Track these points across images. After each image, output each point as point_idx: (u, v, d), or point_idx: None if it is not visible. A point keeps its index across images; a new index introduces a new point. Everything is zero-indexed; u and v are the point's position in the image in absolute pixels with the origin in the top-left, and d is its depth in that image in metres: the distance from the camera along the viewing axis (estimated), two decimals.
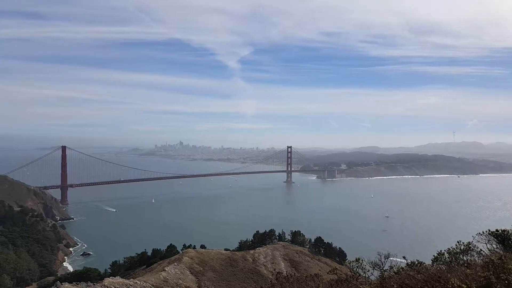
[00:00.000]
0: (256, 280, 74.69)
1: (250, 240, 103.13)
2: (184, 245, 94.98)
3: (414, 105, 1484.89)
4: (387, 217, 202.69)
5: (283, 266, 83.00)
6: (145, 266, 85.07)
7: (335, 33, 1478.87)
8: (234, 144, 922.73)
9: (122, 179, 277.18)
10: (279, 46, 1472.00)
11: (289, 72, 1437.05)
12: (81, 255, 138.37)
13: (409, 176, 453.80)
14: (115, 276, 59.02)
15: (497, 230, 13.24)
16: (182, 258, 77.43)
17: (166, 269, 69.80)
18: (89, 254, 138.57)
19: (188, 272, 72.51)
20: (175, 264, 73.81)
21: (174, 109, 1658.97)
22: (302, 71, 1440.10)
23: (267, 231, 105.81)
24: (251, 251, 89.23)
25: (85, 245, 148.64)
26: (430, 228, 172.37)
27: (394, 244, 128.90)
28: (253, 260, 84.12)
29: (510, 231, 13.09)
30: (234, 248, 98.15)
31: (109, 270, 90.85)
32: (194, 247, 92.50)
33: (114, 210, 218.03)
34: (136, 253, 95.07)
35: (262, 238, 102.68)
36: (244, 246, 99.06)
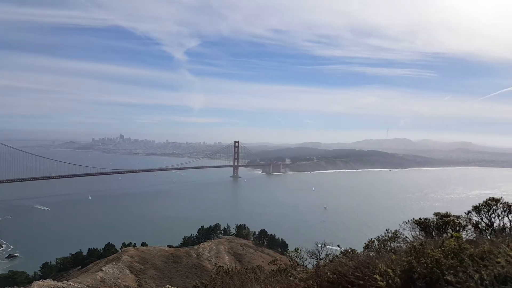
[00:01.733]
0: (200, 275, 74.30)
1: (194, 235, 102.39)
2: (124, 244, 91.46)
3: (354, 103, 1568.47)
4: (326, 208, 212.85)
5: (227, 260, 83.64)
6: (80, 267, 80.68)
7: (282, 31, 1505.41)
8: (180, 138, 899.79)
9: (54, 175, 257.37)
10: (228, 40, 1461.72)
11: (237, 66, 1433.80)
12: (5, 257, 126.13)
13: (347, 170, 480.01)
14: (45, 279, 55.08)
15: (420, 219, 14.64)
16: (121, 256, 74.61)
17: (104, 269, 66.81)
18: (15, 256, 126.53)
19: (127, 271, 70.09)
20: (114, 263, 70.89)
21: (114, 99, 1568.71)
22: (250, 66, 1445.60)
23: (212, 225, 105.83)
24: (195, 247, 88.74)
25: (11, 247, 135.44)
26: (363, 218, 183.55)
27: (331, 233, 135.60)
28: (197, 256, 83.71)
29: (430, 219, 14.48)
30: (177, 244, 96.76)
31: (39, 273, 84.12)
32: (135, 245, 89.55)
33: (46, 208, 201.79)
34: (70, 254, 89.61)
35: (207, 233, 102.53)
36: (188, 241, 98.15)
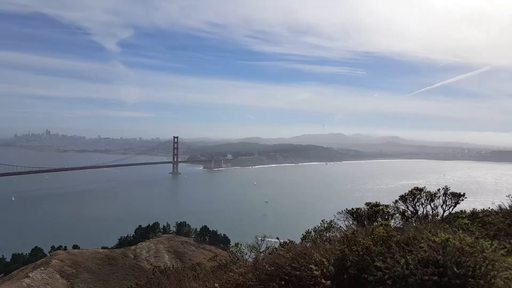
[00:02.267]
0: (138, 276, 71.62)
1: (131, 235, 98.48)
2: (53, 247, 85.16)
3: (292, 99, 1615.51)
4: (267, 202, 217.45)
5: (167, 259, 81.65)
6: (2, 275, 73.68)
7: (220, 25, 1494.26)
8: (114, 133, 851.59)
9: None
10: (164, 32, 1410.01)
11: (174, 59, 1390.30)
12: None
13: (287, 164, 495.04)
14: None
15: (352, 209, 15.40)
16: (51, 261, 69.28)
17: (30, 275, 61.56)
18: None
19: (58, 276, 65.32)
20: (42, 268, 65.60)
21: (38, 92, 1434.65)
22: (188, 59, 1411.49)
23: (151, 224, 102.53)
24: (132, 247, 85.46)
25: None
26: (302, 210, 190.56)
27: (272, 226, 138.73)
28: (134, 256, 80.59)
29: (362, 209, 15.28)
30: (113, 246, 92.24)
31: None
32: (65, 248, 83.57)
33: None
34: None
35: (145, 233, 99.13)
36: (124, 242, 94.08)
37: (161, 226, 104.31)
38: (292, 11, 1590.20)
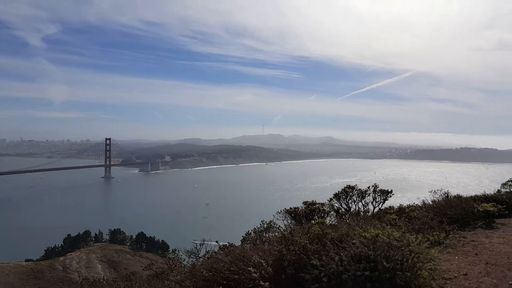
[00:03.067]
0: None
1: (60, 246, 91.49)
2: None
3: (232, 100, 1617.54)
4: (207, 204, 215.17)
5: (100, 269, 76.88)
6: None
7: (156, 23, 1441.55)
8: (39, 136, 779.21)
9: None
10: (95, 28, 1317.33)
11: (106, 57, 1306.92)
12: None
13: (228, 165, 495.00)
14: None
15: (290, 208, 15.71)
16: None
17: None
18: None
19: None
20: None
21: None
22: (122, 57, 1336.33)
23: (81, 233, 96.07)
24: (61, 258, 79.17)
25: None
26: (243, 211, 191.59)
27: (213, 229, 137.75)
28: (63, 268, 74.69)
29: (299, 208, 15.64)
30: (39, 258, 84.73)
31: None
32: None
33: None
34: None
35: (75, 242, 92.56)
36: (52, 253, 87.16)
37: (93, 235, 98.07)
38: (229, 13, 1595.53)
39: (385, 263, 5.85)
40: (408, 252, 6.15)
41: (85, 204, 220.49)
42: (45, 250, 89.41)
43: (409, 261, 5.99)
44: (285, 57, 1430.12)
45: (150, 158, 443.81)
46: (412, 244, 6.42)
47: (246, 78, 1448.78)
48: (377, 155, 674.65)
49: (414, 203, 15.53)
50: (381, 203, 14.71)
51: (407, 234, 6.86)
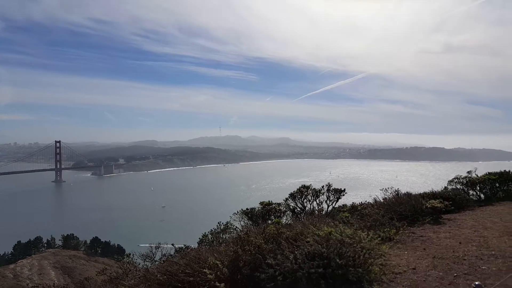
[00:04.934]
0: None
1: (9, 253, 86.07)
2: None
3: (188, 101, 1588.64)
4: (164, 207, 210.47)
5: (53, 275, 72.51)
6: None
7: (107, 22, 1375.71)
8: None
9: None
10: (41, 26, 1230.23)
11: (54, 57, 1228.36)
12: None
13: (185, 168, 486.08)
14: None
15: (247, 209, 15.81)
16: None
17: None
18: None
19: None
20: None
21: None
22: (71, 57, 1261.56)
23: (32, 239, 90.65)
24: (11, 266, 73.84)
25: None
26: (200, 213, 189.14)
27: (170, 232, 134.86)
28: (14, 276, 69.54)
29: (256, 208, 15.77)
30: None
31: None
32: None
33: None
34: None
35: (26, 249, 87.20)
36: (1, 261, 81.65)
37: (44, 241, 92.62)
38: (182, 12, 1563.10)
39: (338, 260, 6.07)
40: (360, 249, 6.43)
41: (35, 210, 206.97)
42: None
43: (361, 257, 6.27)
44: (241, 58, 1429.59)
45: (103, 161, 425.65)
46: (363, 241, 6.72)
47: (202, 78, 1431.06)
48: (331, 155, 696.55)
49: (366, 201, 16.22)
50: (335, 202, 15.24)
51: (359, 231, 7.17)
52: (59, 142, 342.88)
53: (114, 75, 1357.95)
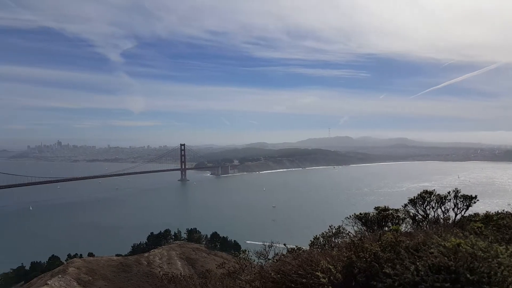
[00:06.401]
0: (152, 283, 71.80)
1: (144, 242, 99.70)
2: (69, 255, 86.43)
3: (295, 104, 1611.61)
4: (274, 207, 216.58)
5: (179, 265, 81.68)
6: (23, 282, 75.30)
7: (220, 33, 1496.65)
8: (122, 142, 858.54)
9: None
10: (165, 41, 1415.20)
11: (176, 68, 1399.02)
12: None
13: (294, 169, 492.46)
14: None
15: (360, 214, 15.16)
16: (67, 269, 69.72)
17: (49, 282, 62.09)
18: None
19: (75, 284, 65.67)
20: (59, 276, 66.05)
21: (48, 105, 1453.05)
22: (189, 68, 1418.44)
23: (162, 231, 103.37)
24: (146, 254, 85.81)
25: None
26: (310, 215, 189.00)
27: (281, 232, 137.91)
28: (148, 263, 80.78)
29: (370, 214, 15.02)
30: (127, 253, 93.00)
31: None
32: (81, 256, 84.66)
33: None
34: (11, 269, 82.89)
35: (157, 239, 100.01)
36: (138, 249, 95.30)
37: (172, 233, 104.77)
38: (289, 16, 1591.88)
39: (468, 275, 5.37)
40: (497, 265, 5.56)
41: (164, 205, 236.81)
42: (132, 246, 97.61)
43: (498, 274, 5.41)
44: (350, 56, 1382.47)
45: (220, 162, 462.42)
46: (501, 256, 5.80)
47: (309, 80, 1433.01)
48: (458, 157, 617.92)
49: (504, 210, 13.92)
50: (464, 210, 13.44)
51: (495, 245, 6.21)
52: (184, 145, 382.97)
53: (228, 82, 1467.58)
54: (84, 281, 67.64)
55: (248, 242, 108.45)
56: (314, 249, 11.91)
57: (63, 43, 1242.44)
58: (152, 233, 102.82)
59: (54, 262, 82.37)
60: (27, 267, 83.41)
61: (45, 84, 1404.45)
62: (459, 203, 13.38)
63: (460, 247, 5.97)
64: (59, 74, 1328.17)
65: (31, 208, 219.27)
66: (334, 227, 14.38)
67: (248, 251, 13.99)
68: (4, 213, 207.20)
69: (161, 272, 60.15)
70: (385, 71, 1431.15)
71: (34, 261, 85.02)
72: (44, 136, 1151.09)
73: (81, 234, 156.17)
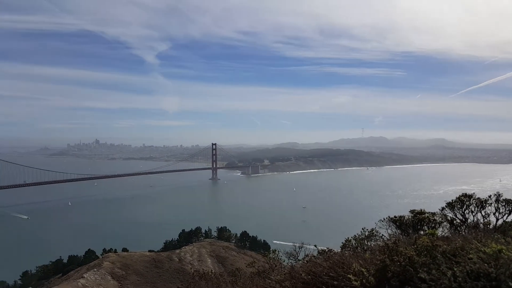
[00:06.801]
0: (183, 279, 73.40)
1: (176, 239, 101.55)
2: (104, 250, 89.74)
3: (328, 103, 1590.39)
4: (304, 207, 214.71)
5: (209, 263, 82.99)
6: (61, 275, 78.83)
7: (251, 33, 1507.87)
8: (157, 142, 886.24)
9: (27, 182, 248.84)
10: (198, 43, 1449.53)
11: (209, 69, 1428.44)
12: None
13: (325, 170, 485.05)
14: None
15: (395, 217, 14.75)
16: (102, 263, 72.92)
17: (85, 275, 65.22)
18: None
19: (109, 277, 68.57)
20: (95, 270, 69.23)
21: (88, 105, 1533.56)
22: (222, 68, 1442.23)
23: (193, 229, 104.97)
24: (177, 251, 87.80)
25: None
26: (343, 217, 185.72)
27: (311, 233, 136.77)
28: (179, 260, 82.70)
29: (405, 217, 14.59)
30: (159, 249, 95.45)
31: (19, 282, 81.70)
32: (115, 251, 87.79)
33: (26, 216, 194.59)
34: (51, 261, 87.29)
35: (189, 237, 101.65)
36: (169, 246, 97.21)
37: (202, 231, 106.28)
38: (322, 15, 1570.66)
39: (510, 283, 5.12)
40: None
41: (196, 203, 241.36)
42: (164, 243, 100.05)
43: None
44: (386, 54, 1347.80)
45: (251, 162, 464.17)
46: None
47: (342, 79, 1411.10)
48: (501, 159, 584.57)
49: None
50: (506, 215, 12.75)
51: None
52: (215, 144, 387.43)
53: (259, 82, 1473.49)
54: (117, 275, 70.29)
55: (276, 242, 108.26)
56: (346, 252, 11.74)
57: (102, 45, 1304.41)
58: (183, 230, 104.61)
59: (90, 256, 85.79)
60: (65, 260, 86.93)
61: (84, 85, 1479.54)
62: (500, 208, 12.70)
63: (502, 254, 5.70)
64: (98, 76, 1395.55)
65: (70, 204, 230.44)
66: (367, 229, 14.09)
67: (278, 251, 14.00)
68: (45, 208, 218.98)
69: (192, 269, 61.40)
70: (422, 70, 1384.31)
71: (71, 255, 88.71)
72: (83, 134, 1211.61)
73: (116, 229, 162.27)
